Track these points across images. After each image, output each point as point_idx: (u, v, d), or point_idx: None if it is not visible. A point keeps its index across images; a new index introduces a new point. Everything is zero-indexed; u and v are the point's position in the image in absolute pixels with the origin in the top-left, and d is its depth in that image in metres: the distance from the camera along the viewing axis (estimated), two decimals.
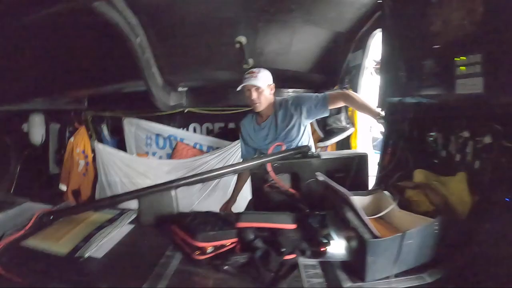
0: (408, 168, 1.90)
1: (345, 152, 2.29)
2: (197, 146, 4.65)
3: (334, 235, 1.45)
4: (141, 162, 4.29)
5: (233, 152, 3.64)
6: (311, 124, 3.50)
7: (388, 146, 2.25)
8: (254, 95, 2.60)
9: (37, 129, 4.54)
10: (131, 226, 1.70)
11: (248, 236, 1.36)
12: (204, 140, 4.70)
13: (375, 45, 3.21)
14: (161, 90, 3.39)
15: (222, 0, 2.74)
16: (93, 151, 4.59)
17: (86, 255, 1.39)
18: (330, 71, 3.75)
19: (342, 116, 3.43)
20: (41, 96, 3.99)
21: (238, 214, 1.49)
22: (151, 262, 1.31)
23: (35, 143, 4.57)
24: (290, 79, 3.83)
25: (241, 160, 3.12)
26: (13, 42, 2.84)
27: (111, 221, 1.73)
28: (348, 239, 1.36)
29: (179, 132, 4.73)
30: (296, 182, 2.03)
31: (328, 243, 1.39)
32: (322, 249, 1.37)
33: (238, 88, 2.64)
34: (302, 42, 3.30)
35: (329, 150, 3.51)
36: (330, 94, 2.66)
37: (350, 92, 2.69)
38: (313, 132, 3.57)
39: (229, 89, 4.05)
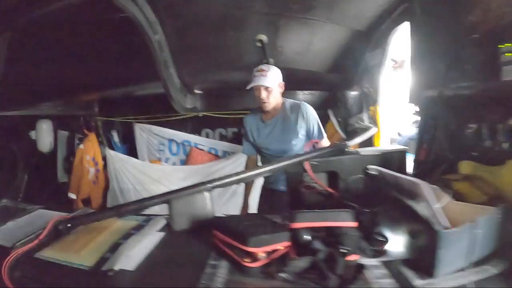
0: (449, 162, 1.86)
1: (384, 148, 2.21)
2: (212, 151, 4.57)
3: (387, 233, 1.37)
4: (155, 168, 4.21)
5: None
6: (332, 124, 3.46)
7: (423, 141, 2.20)
8: (264, 94, 2.57)
9: (45, 136, 4.47)
10: (162, 234, 1.57)
11: (304, 238, 1.24)
12: (219, 145, 4.61)
13: (395, 42, 3.17)
14: (178, 92, 3.32)
15: None
16: (104, 158, 4.51)
17: (116, 267, 1.25)
18: (347, 71, 3.69)
19: (365, 116, 3.39)
20: (50, 100, 3.95)
21: (290, 214, 1.34)
22: (194, 274, 1.20)
23: (43, 150, 4.50)
24: (307, 80, 3.76)
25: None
26: (20, 42, 2.75)
27: (138, 228, 1.61)
28: (413, 233, 1.26)
29: (193, 138, 4.65)
30: (334, 180, 1.94)
31: (386, 241, 1.32)
32: (381, 248, 1.29)
33: (248, 87, 2.60)
34: (322, 41, 3.22)
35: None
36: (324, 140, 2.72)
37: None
38: (335, 133, 3.51)
39: (244, 91, 3.98)
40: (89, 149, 4.44)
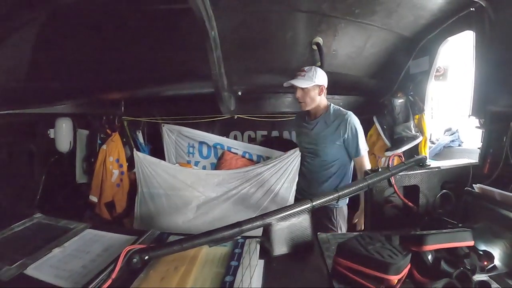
0: None
1: (455, 162, 2.24)
2: (246, 156, 4.47)
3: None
4: (188, 173, 4.06)
5: (289, 162, 3.51)
6: (376, 131, 3.50)
7: (488, 155, 2.24)
8: (299, 93, 2.76)
9: (64, 135, 4.37)
10: (262, 261, 1.45)
11: (431, 260, 1.27)
12: (254, 149, 4.50)
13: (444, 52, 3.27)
14: (226, 93, 3.32)
15: None
16: (128, 160, 4.44)
17: None
18: (388, 78, 3.78)
19: (411, 124, 3.43)
20: (73, 99, 3.99)
21: (414, 236, 1.34)
22: None
23: (62, 150, 4.41)
24: (355, 85, 3.82)
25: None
26: (46, 37, 2.71)
27: (236, 258, 1.46)
28: None
29: (226, 140, 4.56)
30: (414, 194, 1.98)
31: (492, 256, 1.38)
32: (487, 263, 1.36)
33: (285, 84, 2.78)
34: (373, 47, 3.28)
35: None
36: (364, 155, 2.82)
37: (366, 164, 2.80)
38: (378, 140, 3.56)
39: (280, 95, 4.03)
40: (113, 150, 4.37)
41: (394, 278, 1.17)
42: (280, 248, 1.48)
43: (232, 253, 1.50)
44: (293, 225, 1.51)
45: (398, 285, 1.20)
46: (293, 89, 2.85)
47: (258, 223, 1.45)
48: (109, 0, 2.46)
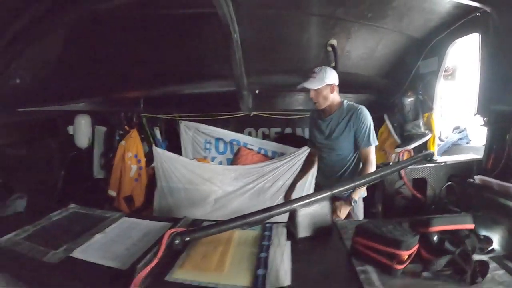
0: None
1: (460, 157, 2.44)
2: (262, 151, 4.66)
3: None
4: (205, 168, 4.25)
5: (303, 158, 3.70)
6: (387, 128, 3.68)
7: (491, 151, 2.41)
8: (312, 94, 2.86)
9: (83, 132, 4.54)
10: (288, 242, 1.62)
11: (437, 240, 1.43)
12: (269, 145, 4.70)
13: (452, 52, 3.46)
14: (246, 92, 3.51)
15: (325, 2, 2.90)
16: (146, 155, 4.62)
17: (286, 284, 1.28)
18: (398, 78, 3.97)
19: (421, 122, 3.61)
20: (93, 97, 4.17)
21: (422, 219, 1.48)
22: (351, 282, 1.32)
23: (81, 146, 4.59)
24: (367, 84, 4.01)
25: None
26: (70, 35, 2.88)
27: (266, 239, 1.64)
28: None
29: (242, 137, 4.76)
30: (422, 186, 2.17)
31: (491, 240, 1.58)
32: (489, 245, 1.55)
33: (298, 87, 2.90)
34: (384, 48, 3.48)
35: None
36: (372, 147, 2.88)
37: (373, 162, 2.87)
38: (388, 137, 3.74)
39: (294, 93, 4.23)
40: (131, 146, 4.53)
41: (405, 254, 1.32)
42: (304, 231, 1.65)
43: (262, 235, 1.68)
44: (315, 211, 1.68)
45: (408, 261, 1.34)
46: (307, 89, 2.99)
47: (285, 208, 1.63)
48: (134, 5, 2.64)
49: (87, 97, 4.16)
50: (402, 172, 2.10)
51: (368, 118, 2.87)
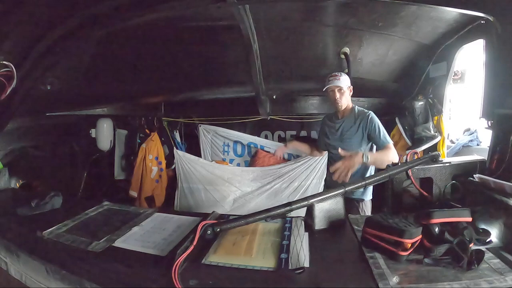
0: None
1: (464, 158, 2.64)
2: None
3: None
4: (224, 169, 4.45)
5: (318, 160, 3.91)
6: (398, 131, 3.88)
7: (495, 152, 2.56)
8: (337, 95, 3.09)
9: (105, 135, 4.76)
10: (306, 233, 1.80)
11: (437, 231, 1.59)
12: None
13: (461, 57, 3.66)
14: (264, 97, 3.72)
15: (337, 11, 3.13)
16: (166, 157, 4.87)
17: (305, 265, 1.45)
18: (408, 82, 4.16)
19: (431, 125, 3.82)
20: (118, 102, 4.48)
21: (425, 212, 1.63)
22: (360, 264, 1.49)
23: (103, 148, 4.81)
24: (378, 89, 4.23)
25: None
26: (97, 46, 3.12)
27: (288, 230, 1.82)
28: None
29: (259, 140, 4.92)
30: (428, 185, 2.37)
31: (489, 232, 1.75)
32: (486, 237, 1.72)
33: (324, 89, 3.11)
34: (394, 54, 3.70)
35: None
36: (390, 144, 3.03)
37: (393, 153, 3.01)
38: (400, 139, 3.93)
39: (309, 98, 4.44)
40: (152, 149, 4.76)
41: (409, 242, 1.47)
42: (320, 224, 1.84)
43: (283, 227, 1.87)
44: (330, 206, 1.87)
45: (412, 249, 1.49)
46: (329, 92, 3.16)
47: (304, 203, 1.82)
48: (165, 20, 2.88)
49: (112, 102, 4.46)
50: (410, 172, 2.31)
51: (378, 121, 3.07)
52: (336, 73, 3.11)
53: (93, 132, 4.77)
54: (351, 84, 3.17)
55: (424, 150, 3.85)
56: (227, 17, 2.65)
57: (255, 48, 2.98)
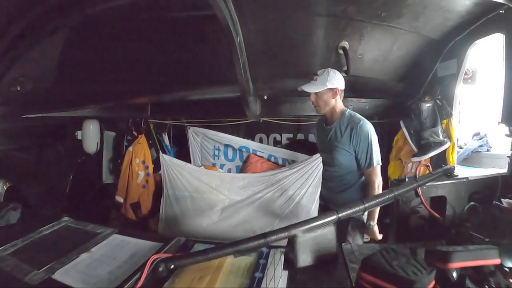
0: None
1: (483, 171, 2.22)
2: (272, 159, 4.44)
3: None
4: (213, 175, 4.05)
5: (314, 167, 3.50)
6: (402, 135, 3.47)
7: None
8: (312, 98, 2.80)
9: (91, 137, 4.48)
10: (286, 272, 1.43)
11: (456, 276, 1.23)
12: (279, 152, 4.48)
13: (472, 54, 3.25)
14: (252, 97, 3.34)
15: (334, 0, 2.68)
16: (154, 161, 4.51)
17: None
18: (414, 81, 3.73)
19: (439, 129, 3.37)
20: (101, 103, 4.03)
21: (439, 252, 1.27)
22: None
23: (89, 151, 4.52)
24: (381, 88, 3.79)
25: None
26: (72, 40, 2.75)
27: (261, 269, 1.45)
28: None
29: (251, 143, 4.56)
30: (440, 205, 1.96)
31: None
32: None
33: (298, 89, 2.81)
34: (399, 50, 3.26)
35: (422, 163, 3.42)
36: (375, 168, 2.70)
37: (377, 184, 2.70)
38: (404, 145, 3.52)
39: (306, 98, 4.01)
40: (139, 152, 4.43)
41: None
42: (304, 260, 1.46)
43: (256, 264, 1.49)
44: (318, 236, 1.49)
45: None
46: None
47: (283, 234, 1.44)
48: (136, 8, 2.49)
49: (95, 103, 4.03)
50: (419, 189, 1.86)
51: (369, 134, 2.66)
52: (317, 72, 2.78)
53: (79, 134, 4.49)
54: (350, 84, 2.88)
55: (431, 157, 3.38)
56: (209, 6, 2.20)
57: (239, 41, 2.54)
